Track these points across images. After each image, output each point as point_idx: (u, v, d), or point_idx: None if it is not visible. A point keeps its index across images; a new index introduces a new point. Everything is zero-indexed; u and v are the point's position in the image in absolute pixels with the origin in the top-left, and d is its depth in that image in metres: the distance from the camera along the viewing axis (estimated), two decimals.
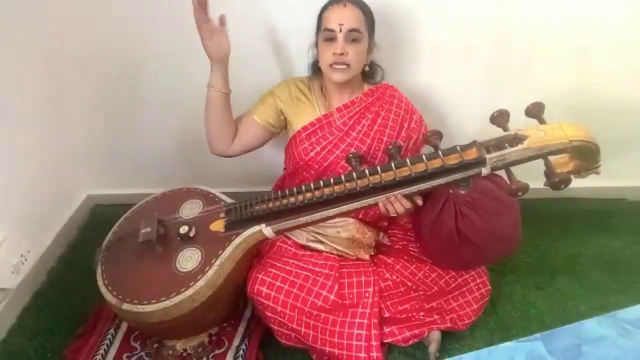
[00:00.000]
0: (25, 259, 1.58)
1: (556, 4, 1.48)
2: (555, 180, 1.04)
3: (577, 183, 1.14)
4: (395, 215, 1.17)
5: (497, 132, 1.13)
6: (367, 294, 1.30)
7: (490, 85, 1.67)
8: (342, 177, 1.17)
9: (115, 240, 1.32)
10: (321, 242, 1.42)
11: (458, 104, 1.72)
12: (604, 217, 1.88)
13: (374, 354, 1.23)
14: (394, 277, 1.36)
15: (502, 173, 1.15)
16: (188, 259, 1.21)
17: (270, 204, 1.22)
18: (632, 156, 1.82)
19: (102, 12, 1.53)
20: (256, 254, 1.38)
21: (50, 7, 1.52)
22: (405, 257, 1.42)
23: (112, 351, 1.38)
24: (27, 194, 1.66)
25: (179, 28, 1.53)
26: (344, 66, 1.27)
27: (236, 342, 1.38)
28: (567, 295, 1.56)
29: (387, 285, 1.35)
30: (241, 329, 1.41)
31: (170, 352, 1.36)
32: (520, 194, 1.07)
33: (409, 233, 1.50)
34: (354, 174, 1.16)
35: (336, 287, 1.28)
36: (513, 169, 1.09)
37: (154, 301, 1.14)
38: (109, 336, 1.41)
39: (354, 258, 1.43)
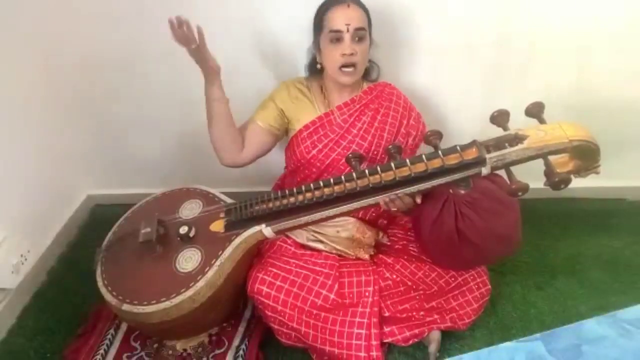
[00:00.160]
0: (25, 259, 1.58)
1: (556, 4, 1.48)
2: (555, 180, 1.04)
3: (577, 183, 1.14)
4: (395, 210, 1.17)
5: (497, 132, 1.13)
6: (367, 293, 1.30)
7: (490, 85, 1.67)
8: (342, 177, 1.17)
9: (115, 240, 1.32)
10: (321, 242, 1.43)
11: (458, 104, 1.72)
12: (604, 217, 1.88)
13: (374, 354, 1.23)
14: (394, 276, 1.37)
15: (502, 173, 1.15)
16: (188, 260, 1.21)
17: (270, 204, 1.22)
18: (632, 156, 1.82)
19: (102, 12, 1.53)
20: (256, 254, 1.38)
21: (51, 7, 1.52)
22: (405, 257, 1.42)
23: (112, 351, 1.38)
24: (27, 194, 1.66)
25: None
26: (352, 68, 1.28)
27: (236, 342, 1.38)
28: (567, 295, 1.56)
29: (387, 285, 1.35)
30: (241, 329, 1.42)
31: (170, 352, 1.36)
32: (520, 193, 1.06)
33: (408, 233, 1.50)
34: (354, 174, 1.16)
35: (336, 286, 1.28)
36: (513, 168, 1.09)
37: (154, 302, 1.14)
38: (109, 336, 1.41)
39: (354, 258, 1.43)
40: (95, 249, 1.31)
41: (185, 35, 1.16)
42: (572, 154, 1.11)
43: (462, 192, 1.12)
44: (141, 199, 1.44)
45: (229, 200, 1.36)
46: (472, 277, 1.37)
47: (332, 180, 1.17)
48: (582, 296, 1.56)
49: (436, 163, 1.11)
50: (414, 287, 1.37)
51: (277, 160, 1.60)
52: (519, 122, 1.13)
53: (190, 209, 1.34)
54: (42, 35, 1.57)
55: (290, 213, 1.21)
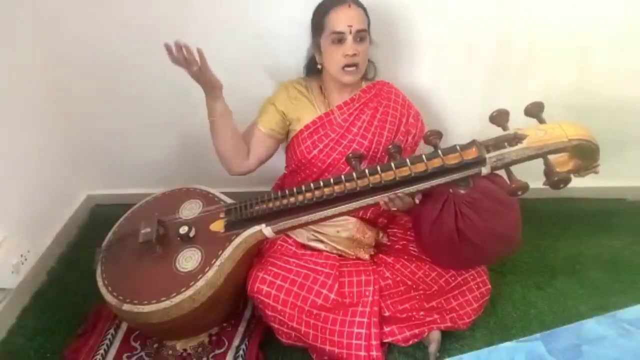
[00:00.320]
0: (25, 259, 1.58)
1: (556, 4, 1.48)
2: (555, 180, 1.04)
3: (576, 183, 1.14)
4: (395, 209, 1.17)
5: (496, 131, 1.13)
6: (367, 293, 1.30)
7: (490, 85, 1.67)
8: (342, 176, 1.17)
9: (115, 240, 1.32)
10: (321, 242, 1.43)
11: (458, 103, 1.72)
12: (604, 217, 1.88)
13: (374, 353, 1.23)
14: (394, 276, 1.37)
15: (502, 173, 1.15)
16: (188, 259, 1.21)
17: (270, 204, 1.22)
18: (632, 156, 1.82)
19: (102, 13, 1.53)
20: (256, 253, 1.38)
21: (52, 7, 1.52)
22: (405, 257, 1.42)
23: (112, 351, 1.38)
24: (27, 194, 1.66)
25: (179, 29, 1.53)
26: (354, 67, 1.28)
27: (236, 342, 1.38)
28: (567, 295, 1.56)
29: (387, 284, 1.35)
30: (241, 329, 1.41)
31: (170, 352, 1.36)
32: (520, 193, 1.07)
33: (408, 232, 1.50)
34: (354, 174, 1.16)
35: (336, 286, 1.28)
36: (513, 168, 1.09)
37: (154, 301, 1.14)
38: (109, 336, 1.41)
39: (354, 257, 1.43)
40: (95, 249, 1.31)
41: (185, 58, 1.14)
42: (572, 153, 1.11)
43: (462, 191, 1.12)
44: (141, 199, 1.44)
45: (229, 200, 1.36)
46: (472, 277, 1.37)
47: (332, 180, 1.18)
48: (582, 296, 1.56)
49: (436, 163, 1.11)
50: (414, 286, 1.37)
51: (277, 160, 1.59)
52: (518, 122, 1.13)
53: (190, 209, 1.34)
54: (42, 35, 1.58)
55: (290, 213, 1.21)
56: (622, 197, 1.97)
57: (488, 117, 1.14)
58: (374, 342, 1.24)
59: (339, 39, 1.25)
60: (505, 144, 1.10)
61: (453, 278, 1.37)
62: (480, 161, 1.09)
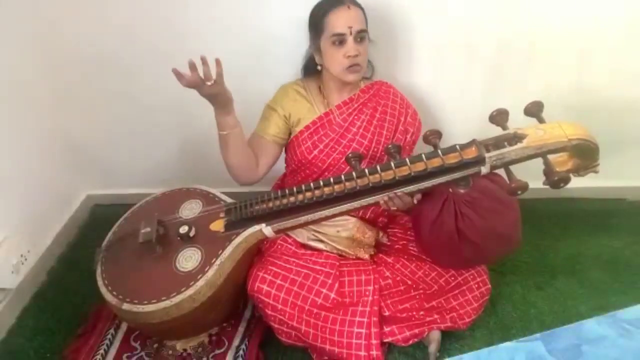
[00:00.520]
0: (25, 259, 1.58)
1: (556, 4, 1.48)
2: (555, 179, 1.04)
3: (576, 183, 1.14)
4: (395, 209, 1.17)
5: (496, 131, 1.13)
6: (367, 293, 1.30)
7: (490, 85, 1.67)
8: (342, 176, 1.17)
9: (115, 240, 1.32)
10: (321, 241, 1.43)
11: (458, 103, 1.72)
12: (604, 217, 1.88)
13: (374, 353, 1.23)
14: (394, 275, 1.37)
15: (502, 172, 1.15)
16: (188, 259, 1.21)
17: (270, 204, 1.22)
18: (631, 156, 1.81)
19: (102, 13, 1.53)
20: (256, 253, 1.38)
21: (52, 7, 1.52)
22: (405, 256, 1.42)
23: (112, 351, 1.38)
24: (27, 194, 1.66)
25: (179, 30, 1.54)
26: (357, 66, 1.28)
27: (236, 342, 1.38)
28: (567, 295, 1.56)
29: (387, 284, 1.35)
30: (241, 329, 1.41)
31: (170, 352, 1.36)
32: (519, 192, 1.07)
33: (408, 232, 1.50)
34: (354, 173, 1.16)
35: (336, 285, 1.28)
36: (512, 168, 1.09)
37: (154, 301, 1.14)
38: (109, 336, 1.41)
39: (354, 257, 1.43)
40: (95, 249, 1.30)
41: (198, 78, 1.11)
42: (571, 152, 1.11)
43: (462, 191, 1.12)
44: (141, 199, 1.44)
45: (229, 200, 1.35)
46: (472, 277, 1.37)
47: (332, 179, 1.18)
48: (582, 296, 1.56)
49: (436, 162, 1.11)
50: (414, 286, 1.37)
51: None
52: (518, 121, 1.13)
53: (190, 209, 1.34)
54: (42, 35, 1.58)
55: (290, 212, 1.21)
56: (622, 197, 1.97)
57: (488, 117, 1.14)
58: (374, 342, 1.24)
59: (340, 41, 1.25)
60: (505, 143, 1.10)
61: (453, 278, 1.37)
62: (479, 160, 1.09)
